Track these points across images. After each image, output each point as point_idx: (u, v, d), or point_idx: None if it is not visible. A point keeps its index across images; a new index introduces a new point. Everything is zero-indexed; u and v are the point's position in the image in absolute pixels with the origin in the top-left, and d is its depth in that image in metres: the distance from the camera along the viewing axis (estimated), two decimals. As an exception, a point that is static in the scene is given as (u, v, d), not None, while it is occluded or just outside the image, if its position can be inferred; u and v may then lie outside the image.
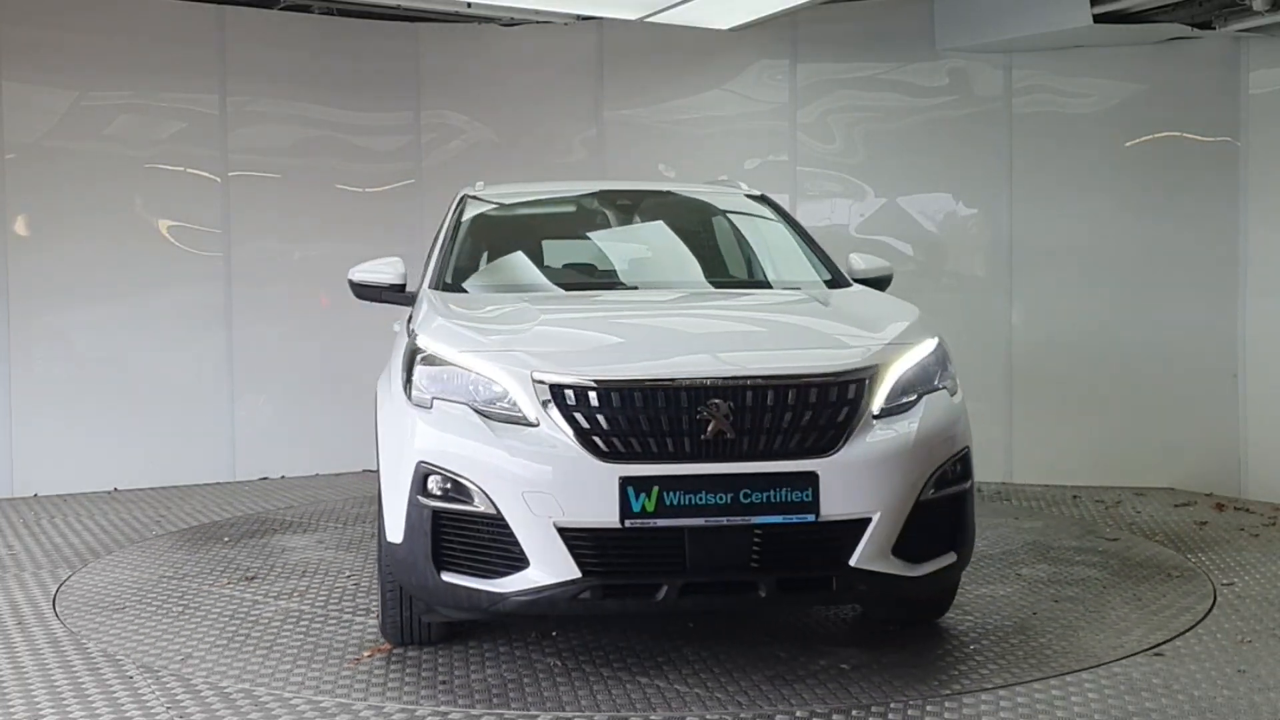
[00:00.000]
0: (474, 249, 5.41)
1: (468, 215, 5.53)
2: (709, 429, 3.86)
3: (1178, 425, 7.61)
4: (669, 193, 6.16)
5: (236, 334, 8.25)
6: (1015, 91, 7.92)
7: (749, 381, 3.92)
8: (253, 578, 5.64)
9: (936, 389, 4.22)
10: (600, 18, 8.30)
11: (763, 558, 3.87)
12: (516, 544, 3.87)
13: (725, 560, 3.86)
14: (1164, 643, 4.50)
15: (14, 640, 4.69)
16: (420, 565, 4.01)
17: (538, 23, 8.68)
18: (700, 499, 3.82)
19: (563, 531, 3.83)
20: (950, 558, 4.16)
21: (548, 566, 3.84)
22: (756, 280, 5.37)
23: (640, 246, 5.69)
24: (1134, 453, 7.73)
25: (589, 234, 5.71)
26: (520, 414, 3.96)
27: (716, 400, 3.87)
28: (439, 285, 5.03)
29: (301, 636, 4.71)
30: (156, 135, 8.14)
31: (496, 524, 3.89)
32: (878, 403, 4.03)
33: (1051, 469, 7.86)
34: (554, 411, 3.92)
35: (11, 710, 3.91)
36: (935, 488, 4.05)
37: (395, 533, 4.11)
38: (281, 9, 8.44)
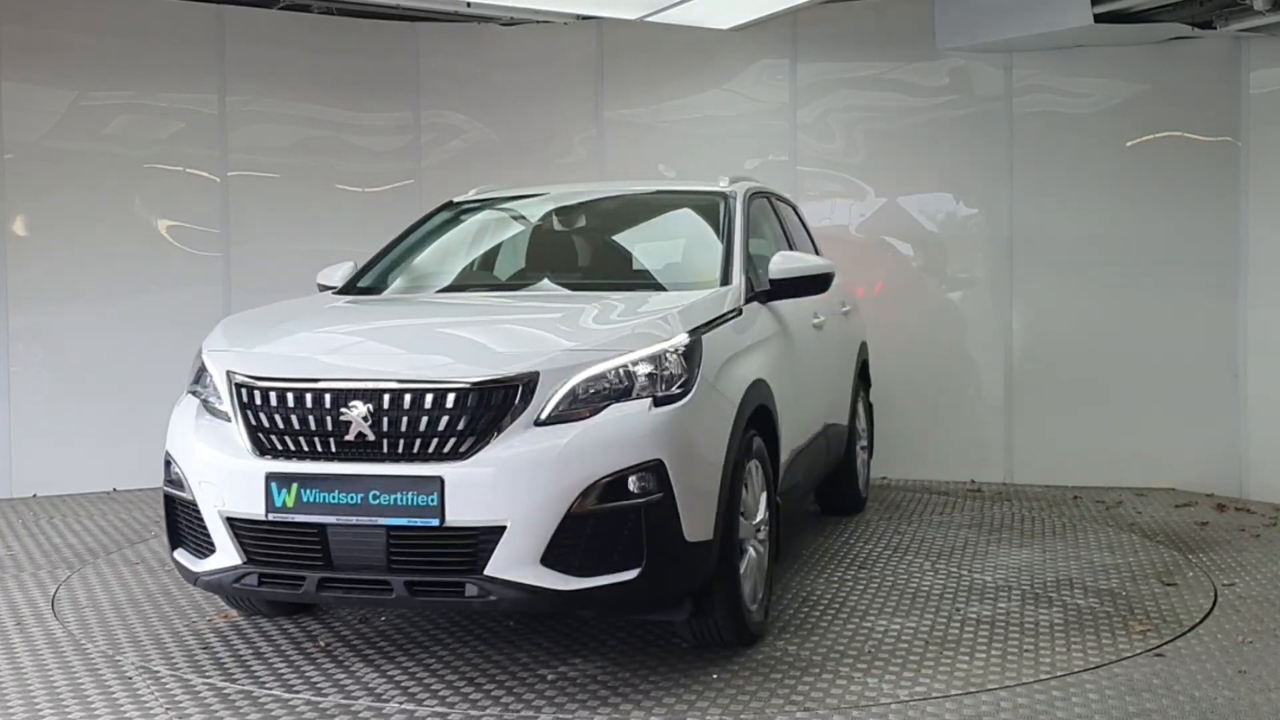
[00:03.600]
0: (405, 253, 5.64)
1: (427, 220, 5.86)
2: (350, 431, 3.96)
3: (1178, 425, 7.61)
4: (629, 194, 6.08)
5: (236, 334, 8.23)
6: (1015, 91, 7.92)
7: (387, 386, 3.99)
8: None
9: (638, 397, 4.00)
10: (600, 18, 8.29)
11: (398, 559, 3.92)
12: (206, 529, 4.20)
13: (363, 559, 3.96)
14: (1164, 643, 4.49)
15: (13, 640, 4.68)
16: (169, 542, 4.47)
17: (537, 23, 8.68)
18: (334, 498, 3.94)
19: (229, 520, 4.11)
20: (628, 574, 3.89)
21: (223, 552, 4.15)
22: (621, 283, 5.20)
23: (551, 250, 5.74)
24: (1134, 453, 7.73)
25: (516, 238, 5.84)
26: (224, 408, 4.25)
27: (355, 402, 3.98)
28: (345, 288, 5.39)
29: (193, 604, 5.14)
30: (156, 135, 8.14)
31: (194, 510, 4.24)
32: (548, 409, 3.93)
33: (1051, 469, 7.86)
34: (236, 407, 4.19)
35: (11, 710, 3.91)
36: (599, 499, 3.86)
37: None
38: (281, 9, 8.44)
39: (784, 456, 5.05)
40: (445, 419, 3.93)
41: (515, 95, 8.85)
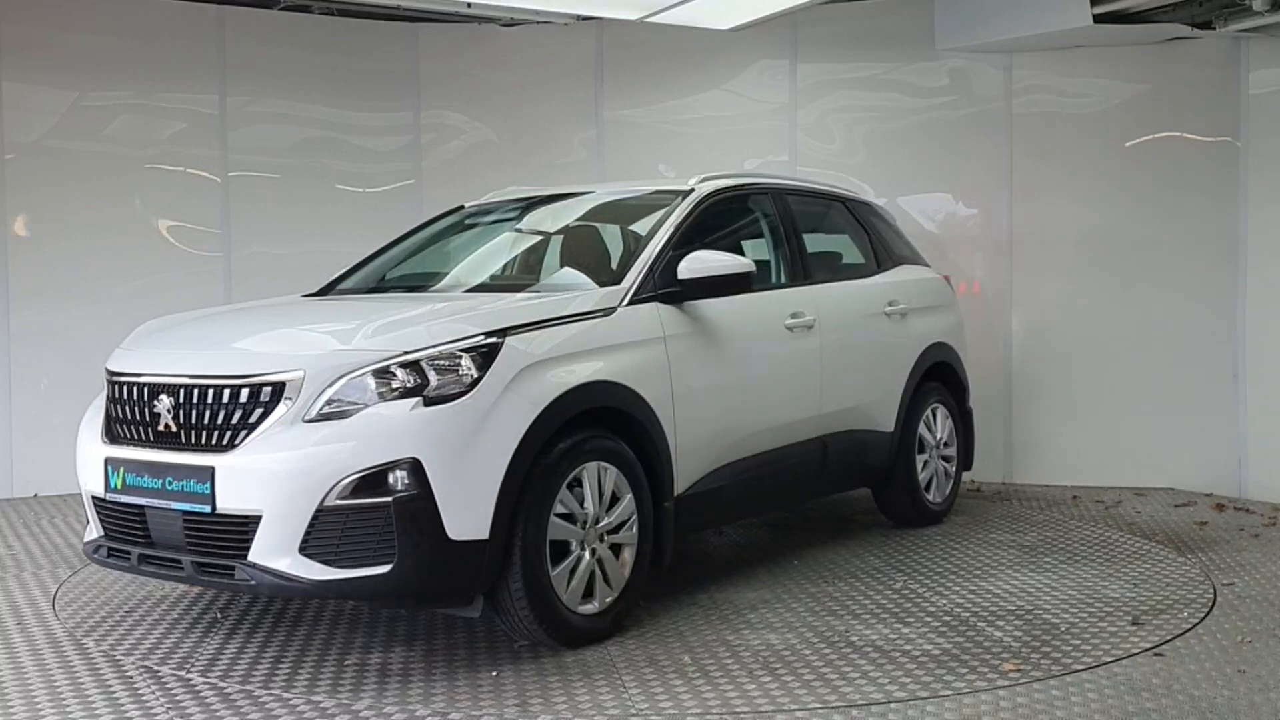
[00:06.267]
0: (392, 257, 5.92)
1: (424, 224, 6.13)
2: (160, 421, 4.37)
3: (1178, 425, 7.62)
4: (599, 195, 6.10)
5: (236, 334, 8.24)
6: (1015, 91, 7.93)
7: (182, 381, 4.37)
8: None
9: (405, 396, 4.10)
10: (600, 18, 8.30)
11: (190, 540, 4.25)
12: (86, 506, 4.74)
13: (170, 538, 4.31)
14: (1164, 643, 4.49)
15: (14, 640, 4.69)
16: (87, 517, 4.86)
17: (538, 23, 8.68)
18: (145, 482, 4.35)
19: (93, 499, 4.62)
20: (381, 568, 4.01)
21: (93, 526, 4.69)
22: (525, 284, 5.28)
23: (489, 254, 5.85)
24: (1134, 453, 7.73)
25: (472, 241, 5.97)
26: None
27: (162, 396, 4.38)
28: (324, 288, 5.75)
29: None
30: (156, 135, 8.14)
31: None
32: (316, 407, 4.11)
33: (1051, 469, 7.87)
34: (105, 398, 4.72)
35: (11, 710, 3.91)
36: (352, 494, 4.00)
37: None
38: (281, 9, 8.44)
39: (681, 462, 4.92)
40: (222, 413, 4.24)
41: (515, 95, 8.86)
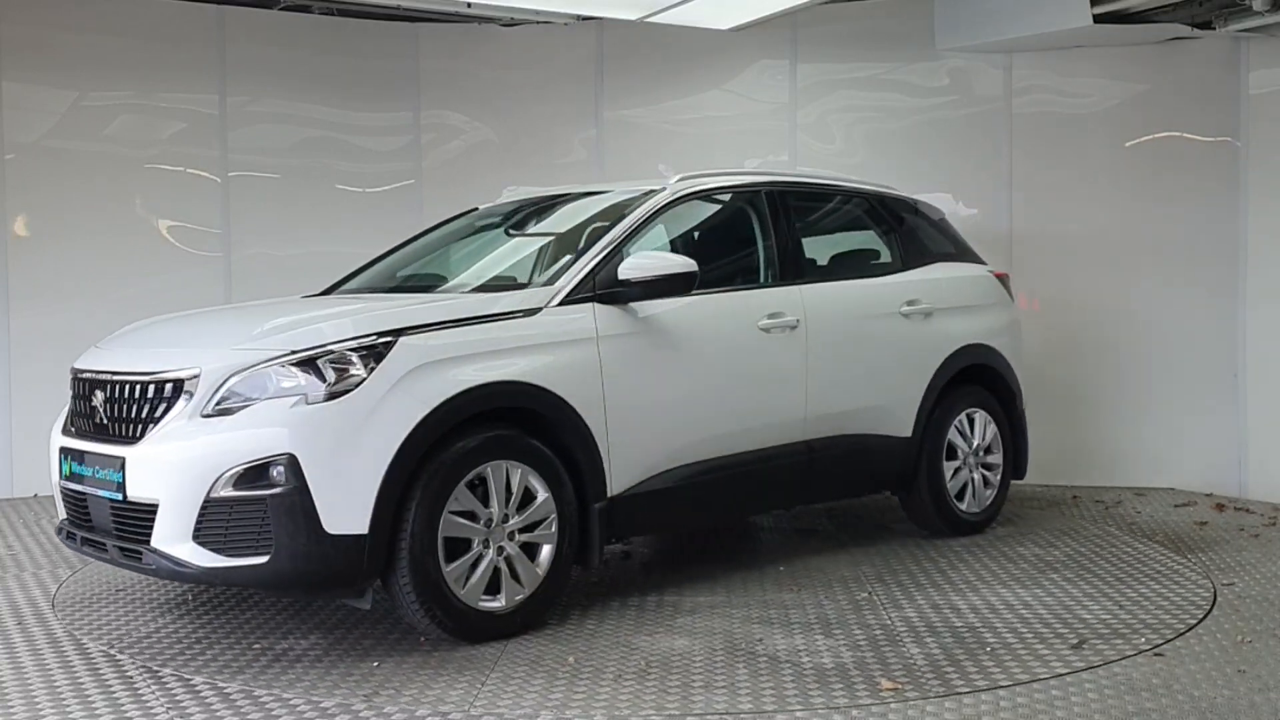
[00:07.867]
0: (400, 258, 6.02)
1: (437, 224, 6.26)
2: (96, 415, 4.64)
3: (1178, 425, 7.62)
4: (583, 196, 6.06)
5: (236, 334, 8.23)
6: (1015, 91, 7.93)
7: (106, 377, 4.65)
8: None
9: (288, 394, 4.25)
10: (600, 18, 8.30)
11: (115, 525, 4.49)
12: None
13: (104, 523, 4.57)
14: (1164, 643, 4.49)
15: (14, 640, 4.69)
16: None
17: (538, 23, 8.68)
18: (82, 470, 4.64)
19: (60, 486, 4.88)
20: (259, 559, 4.19)
21: (59, 510, 4.96)
22: (482, 285, 5.31)
23: (508, 254, 5.90)
24: (1134, 453, 7.74)
25: (489, 241, 6.02)
26: None
27: (97, 391, 4.67)
28: (327, 289, 5.92)
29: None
30: (156, 135, 8.15)
31: None
32: (212, 403, 4.32)
33: (1051, 469, 7.86)
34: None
35: (11, 710, 3.91)
36: (233, 487, 4.19)
37: None
38: (281, 9, 8.44)
39: (616, 463, 4.87)
40: (134, 407, 4.50)
41: (515, 95, 8.86)
